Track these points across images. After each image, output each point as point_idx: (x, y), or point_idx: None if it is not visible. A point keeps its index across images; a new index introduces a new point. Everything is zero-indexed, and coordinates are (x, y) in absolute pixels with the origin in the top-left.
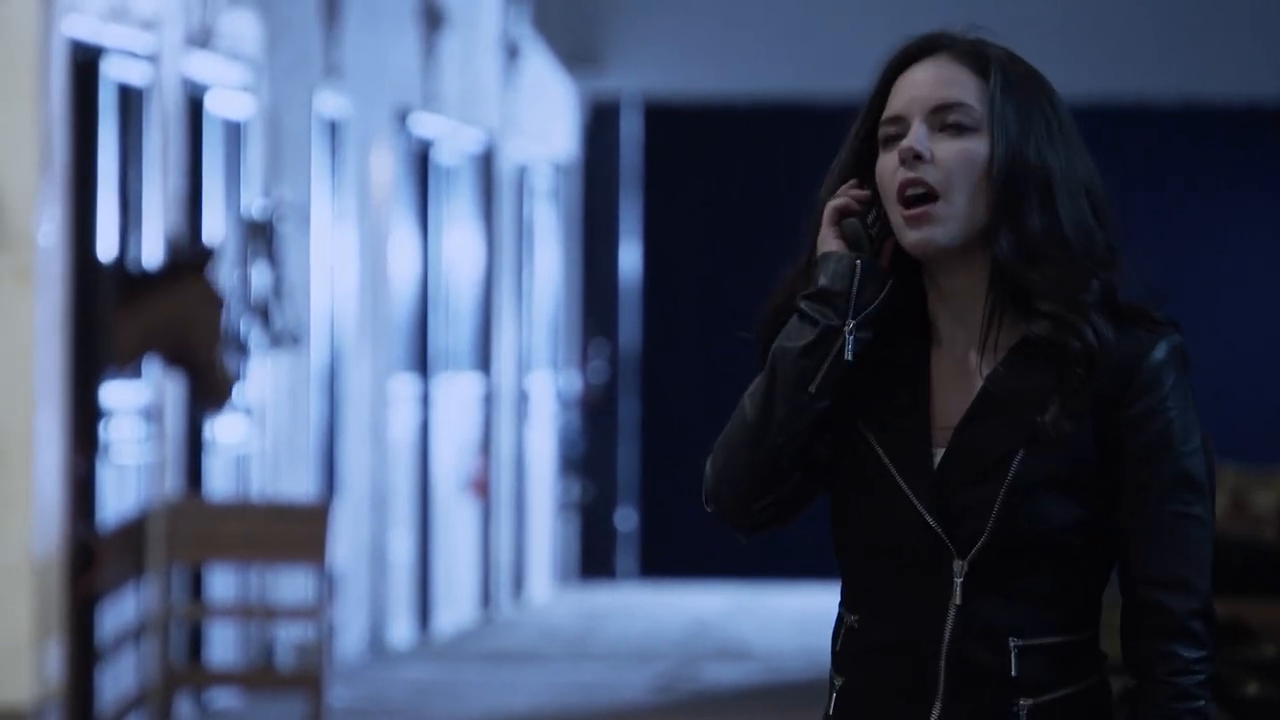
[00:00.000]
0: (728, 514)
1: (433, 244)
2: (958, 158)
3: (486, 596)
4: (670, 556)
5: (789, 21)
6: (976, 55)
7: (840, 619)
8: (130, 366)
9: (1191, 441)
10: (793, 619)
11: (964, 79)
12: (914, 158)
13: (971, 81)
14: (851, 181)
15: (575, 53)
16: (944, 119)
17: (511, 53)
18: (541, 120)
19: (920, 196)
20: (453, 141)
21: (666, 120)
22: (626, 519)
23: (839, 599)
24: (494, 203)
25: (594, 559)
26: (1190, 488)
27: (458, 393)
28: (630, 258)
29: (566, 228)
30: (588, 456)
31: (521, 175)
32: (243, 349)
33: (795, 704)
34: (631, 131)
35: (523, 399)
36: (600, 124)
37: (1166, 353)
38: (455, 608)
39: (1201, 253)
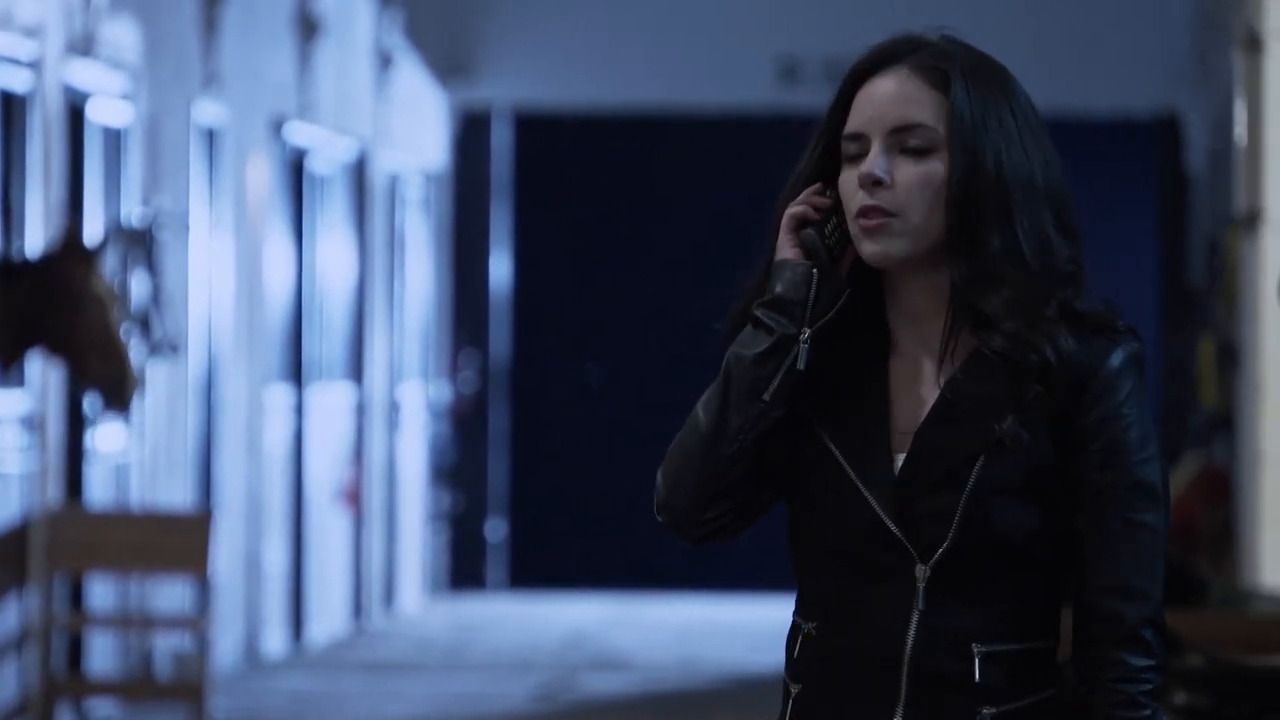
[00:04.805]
0: (679, 524)
1: (307, 253)
2: (917, 181)
3: (358, 607)
4: (540, 567)
5: (659, 33)
6: (937, 68)
7: (796, 627)
8: (14, 362)
9: (1148, 449)
10: (668, 629)
11: (923, 96)
12: (873, 184)
13: (931, 98)
14: (815, 186)
15: (447, 63)
16: (904, 141)
17: (384, 62)
18: (413, 130)
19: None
20: (327, 151)
21: (537, 130)
22: (496, 529)
23: (794, 607)
24: (366, 212)
25: (464, 569)
26: (1145, 495)
27: (330, 403)
28: (501, 268)
29: (437, 238)
30: (458, 467)
31: (393, 185)
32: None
33: (674, 713)
34: (502, 142)
35: (394, 409)
36: (471, 134)
37: (1122, 360)
38: (328, 618)
39: None
